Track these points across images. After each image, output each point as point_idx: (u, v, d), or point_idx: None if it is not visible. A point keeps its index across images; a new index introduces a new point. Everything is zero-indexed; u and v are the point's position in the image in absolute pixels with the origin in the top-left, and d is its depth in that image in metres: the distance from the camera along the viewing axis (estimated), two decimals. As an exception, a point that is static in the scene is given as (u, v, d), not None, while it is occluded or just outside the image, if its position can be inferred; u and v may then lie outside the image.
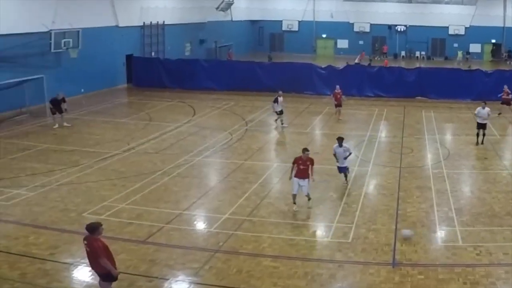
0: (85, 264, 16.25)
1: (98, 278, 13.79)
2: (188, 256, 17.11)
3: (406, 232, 18.58)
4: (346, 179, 23.98)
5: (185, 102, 44.31)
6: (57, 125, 34.22)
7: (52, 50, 40.98)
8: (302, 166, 20.66)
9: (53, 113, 34.60)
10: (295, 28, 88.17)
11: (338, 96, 37.59)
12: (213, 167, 26.98)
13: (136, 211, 20.74)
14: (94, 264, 13.47)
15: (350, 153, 23.87)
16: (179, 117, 38.31)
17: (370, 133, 34.11)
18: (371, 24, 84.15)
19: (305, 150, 20.92)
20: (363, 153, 29.50)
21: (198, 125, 35.95)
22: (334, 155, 23.64)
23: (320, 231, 19.54)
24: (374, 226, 19.59)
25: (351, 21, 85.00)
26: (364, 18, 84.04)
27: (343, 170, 23.79)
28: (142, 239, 18.29)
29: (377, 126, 36.20)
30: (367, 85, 48.07)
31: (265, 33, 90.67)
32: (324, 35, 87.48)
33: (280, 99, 34.92)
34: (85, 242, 13.45)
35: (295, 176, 20.77)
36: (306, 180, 20.71)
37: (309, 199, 21.10)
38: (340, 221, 20.05)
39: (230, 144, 30.68)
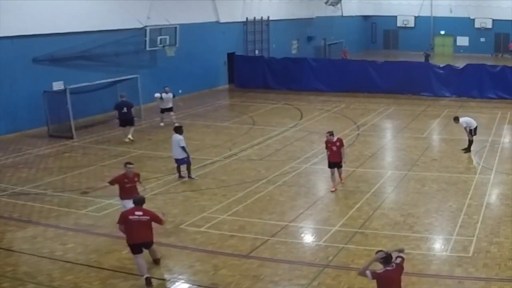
0: (183, 280, 16.37)
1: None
2: (295, 271, 16.94)
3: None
4: None
5: (292, 104, 44.40)
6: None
7: (147, 48, 41.89)
8: (129, 185, 18.98)
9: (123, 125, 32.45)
10: (411, 24, 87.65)
11: None
12: (322, 175, 26.55)
13: (238, 222, 20.71)
14: (149, 231, 16.01)
15: None
16: (285, 120, 38.33)
17: (493, 138, 33.13)
18: (493, 20, 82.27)
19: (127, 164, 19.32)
20: (485, 160, 28.78)
21: (305, 129, 35.80)
22: None
23: (438, 245, 19.15)
24: (496, 239, 19.13)
25: (471, 17, 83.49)
26: (486, 13, 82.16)
27: None
28: (244, 253, 18.21)
29: (500, 130, 35.17)
30: (489, 85, 46.73)
31: (378, 30, 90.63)
32: (442, 32, 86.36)
33: (166, 95, 35.86)
34: (140, 212, 15.77)
35: (123, 197, 18.93)
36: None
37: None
38: (459, 233, 19.65)
39: (340, 150, 30.38)
